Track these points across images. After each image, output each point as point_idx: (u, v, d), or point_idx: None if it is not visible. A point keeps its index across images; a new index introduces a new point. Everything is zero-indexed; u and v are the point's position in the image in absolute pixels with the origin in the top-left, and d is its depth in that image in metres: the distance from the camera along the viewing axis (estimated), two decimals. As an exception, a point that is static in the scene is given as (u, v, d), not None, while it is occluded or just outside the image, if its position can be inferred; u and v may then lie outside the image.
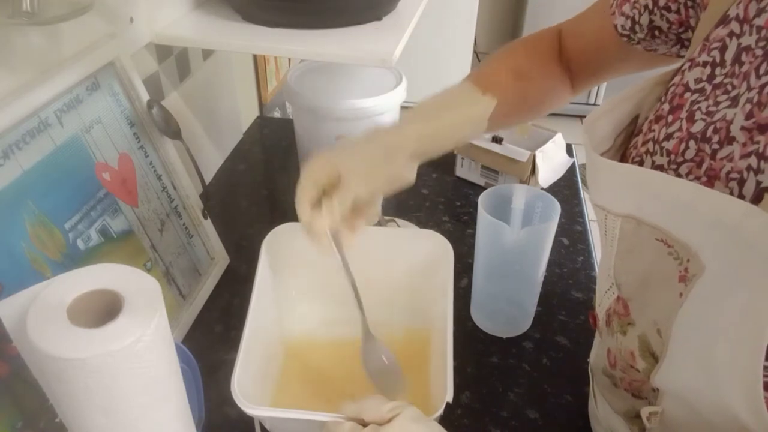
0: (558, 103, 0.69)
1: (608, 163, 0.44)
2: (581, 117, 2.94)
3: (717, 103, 0.41)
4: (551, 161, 0.98)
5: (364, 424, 0.47)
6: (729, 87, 0.40)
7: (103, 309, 0.40)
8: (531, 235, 0.68)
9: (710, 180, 0.40)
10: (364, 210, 0.57)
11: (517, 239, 0.68)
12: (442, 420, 0.49)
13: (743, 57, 0.40)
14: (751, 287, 0.36)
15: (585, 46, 0.64)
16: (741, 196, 0.38)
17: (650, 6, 0.54)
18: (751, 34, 0.40)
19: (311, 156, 0.55)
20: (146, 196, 0.72)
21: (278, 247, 0.66)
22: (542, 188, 0.96)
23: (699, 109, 0.42)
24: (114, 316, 0.38)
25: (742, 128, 0.38)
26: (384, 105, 0.92)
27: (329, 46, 0.76)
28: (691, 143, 0.41)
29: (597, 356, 0.57)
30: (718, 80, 0.41)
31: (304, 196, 0.54)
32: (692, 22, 0.52)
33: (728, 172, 0.39)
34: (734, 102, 0.39)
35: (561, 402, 0.69)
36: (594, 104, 2.89)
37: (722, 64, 0.41)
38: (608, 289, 0.50)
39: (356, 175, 0.54)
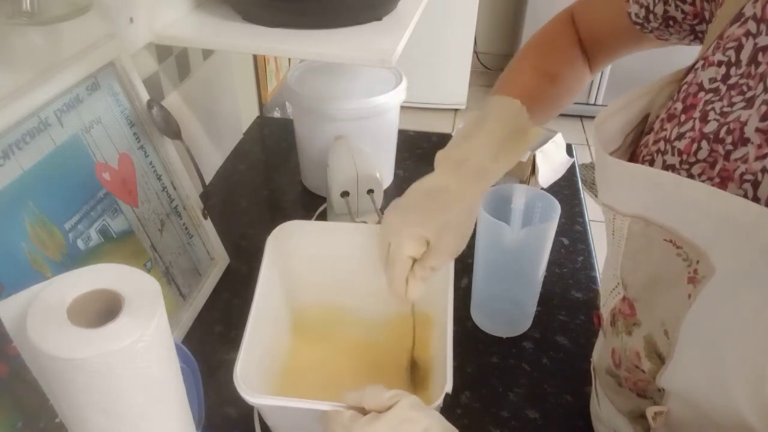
0: (581, 89, 0.70)
1: (618, 162, 0.43)
2: (581, 117, 2.94)
3: (732, 104, 0.40)
4: (551, 161, 0.98)
5: (365, 413, 0.47)
6: (744, 88, 0.40)
7: (103, 309, 0.40)
8: (531, 235, 0.68)
9: (723, 181, 0.39)
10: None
11: (517, 239, 0.68)
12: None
13: (760, 57, 0.39)
14: (763, 289, 0.36)
15: (598, 30, 0.64)
16: (756, 199, 0.37)
17: None
18: None
19: (391, 229, 0.56)
20: (146, 196, 0.72)
21: (283, 243, 0.66)
22: (542, 188, 0.96)
23: (713, 109, 0.41)
24: (114, 316, 0.38)
25: (757, 130, 0.38)
26: (384, 105, 0.92)
27: (329, 46, 0.76)
28: (704, 143, 0.41)
29: (601, 356, 0.57)
30: (733, 80, 0.41)
31: (402, 271, 0.56)
32: (706, 15, 0.51)
33: (742, 174, 0.38)
34: (750, 103, 0.39)
35: (561, 402, 0.69)
36: (594, 104, 2.89)
37: (737, 64, 0.41)
38: (614, 289, 0.50)
39: (451, 243, 0.56)
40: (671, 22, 0.55)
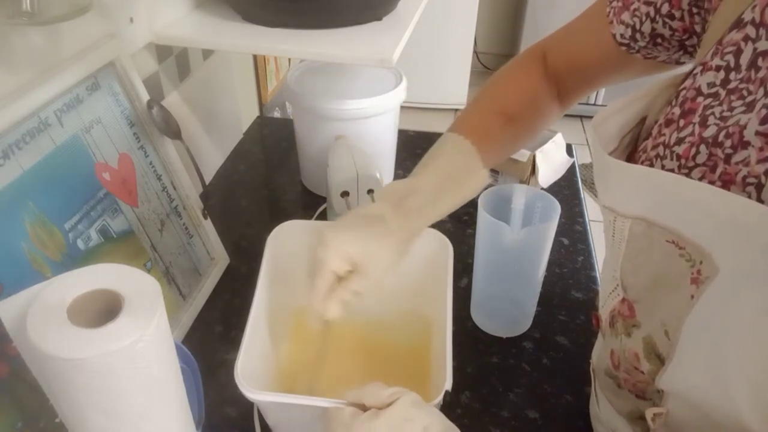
0: (549, 125, 0.69)
1: (619, 163, 0.43)
2: (581, 117, 2.94)
3: (731, 108, 0.40)
4: (551, 161, 0.98)
5: (365, 410, 0.47)
6: (744, 92, 0.40)
7: (103, 309, 0.40)
8: (531, 235, 0.68)
9: (725, 184, 0.39)
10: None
11: (517, 239, 0.68)
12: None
13: (759, 62, 0.39)
14: (764, 289, 0.36)
15: (579, 59, 0.63)
16: (759, 201, 0.37)
17: (652, 14, 0.53)
18: None
19: (323, 243, 0.55)
20: (146, 196, 0.72)
21: (283, 243, 0.66)
22: (542, 188, 0.96)
23: (712, 114, 0.41)
24: (114, 316, 0.38)
25: (757, 133, 0.38)
26: (384, 105, 0.92)
27: (329, 46, 0.76)
28: (702, 148, 0.41)
29: (600, 357, 0.57)
30: (732, 85, 0.41)
31: (322, 285, 0.55)
32: (697, 28, 0.51)
33: (744, 177, 0.38)
34: (750, 107, 0.39)
35: (561, 402, 0.69)
36: (595, 104, 2.89)
37: (737, 68, 0.41)
38: (613, 291, 0.49)
39: (376, 270, 0.55)
40: (659, 40, 0.55)
